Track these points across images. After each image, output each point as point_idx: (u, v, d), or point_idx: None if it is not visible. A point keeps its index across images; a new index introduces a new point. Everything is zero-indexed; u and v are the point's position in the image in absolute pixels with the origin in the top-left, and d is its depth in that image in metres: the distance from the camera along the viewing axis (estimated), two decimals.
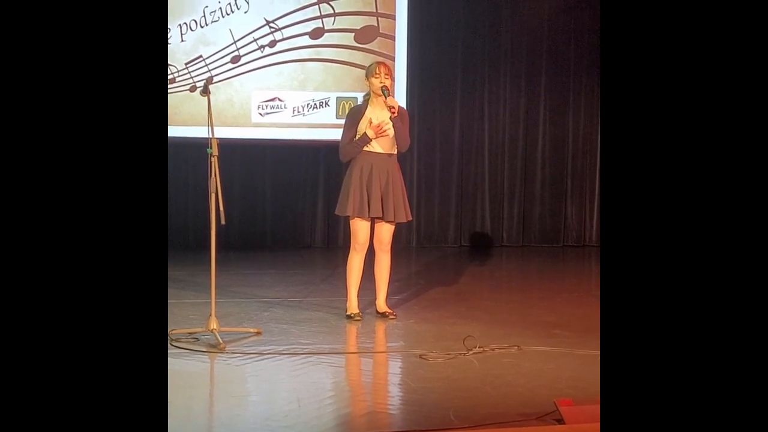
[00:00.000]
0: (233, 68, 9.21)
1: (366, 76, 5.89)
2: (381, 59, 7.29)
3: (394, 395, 4.41)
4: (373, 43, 9.45)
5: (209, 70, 9.11)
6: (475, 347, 4.99)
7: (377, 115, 5.80)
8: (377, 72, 5.78)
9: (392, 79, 5.88)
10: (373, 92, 5.82)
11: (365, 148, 5.81)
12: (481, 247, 10.19)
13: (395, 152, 5.89)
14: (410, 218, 6.08)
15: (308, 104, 9.35)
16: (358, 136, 5.80)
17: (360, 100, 6.06)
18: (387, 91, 5.74)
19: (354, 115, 5.87)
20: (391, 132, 5.78)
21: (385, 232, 5.91)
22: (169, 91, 8.96)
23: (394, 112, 5.70)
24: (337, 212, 6.03)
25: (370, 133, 5.73)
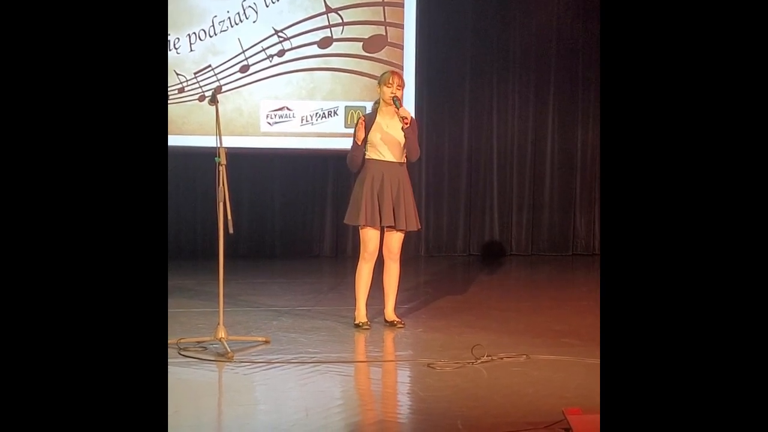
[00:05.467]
0: (242, 77, 9.23)
1: (378, 84, 5.90)
2: (395, 69, 7.30)
3: (402, 404, 4.40)
4: (381, 52, 9.46)
5: (218, 80, 9.14)
6: (484, 356, 4.98)
7: (387, 123, 5.81)
8: (390, 82, 5.79)
9: (403, 90, 5.88)
10: (384, 100, 5.84)
11: (376, 157, 5.81)
12: (490, 256, 10.17)
13: (405, 161, 5.89)
14: (420, 227, 6.08)
15: (317, 113, 9.36)
16: (368, 145, 5.80)
17: (368, 110, 6.06)
18: (399, 102, 5.75)
19: (365, 121, 5.87)
20: (401, 141, 5.79)
21: (395, 240, 5.91)
22: (178, 100, 9.00)
23: (407, 123, 5.71)
24: (346, 221, 6.02)
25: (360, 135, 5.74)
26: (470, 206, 10.22)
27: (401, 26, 9.50)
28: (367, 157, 5.85)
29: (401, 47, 9.51)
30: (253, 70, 9.26)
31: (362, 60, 9.39)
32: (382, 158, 5.82)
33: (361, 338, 5.70)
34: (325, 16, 9.37)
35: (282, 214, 9.75)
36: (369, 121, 5.87)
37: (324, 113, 9.37)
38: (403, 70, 9.42)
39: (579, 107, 10.35)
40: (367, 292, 5.93)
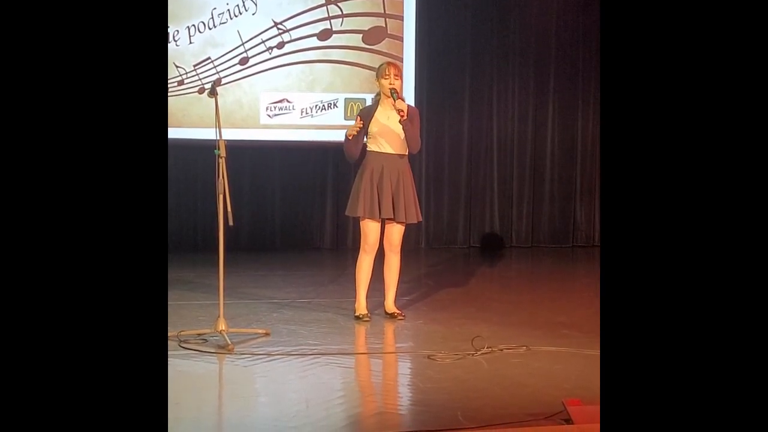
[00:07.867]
0: (241, 70, 9.22)
1: (376, 77, 5.90)
2: (391, 60, 7.28)
3: (402, 396, 4.41)
4: (381, 44, 9.45)
5: (217, 72, 9.13)
6: (484, 347, 4.98)
7: (387, 115, 5.80)
8: (386, 73, 5.78)
9: (401, 80, 5.88)
10: (383, 93, 5.83)
11: (376, 149, 5.81)
12: (490, 247, 10.18)
13: (406, 153, 5.88)
14: (420, 219, 6.06)
15: (316, 105, 9.36)
16: (367, 137, 5.80)
17: (368, 102, 6.06)
18: (396, 94, 5.73)
19: (363, 115, 5.86)
20: (401, 133, 5.78)
21: (396, 233, 5.91)
22: (177, 93, 8.99)
23: (403, 115, 5.69)
24: (347, 213, 6.01)
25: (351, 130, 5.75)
26: (470, 198, 10.22)
27: (401, 18, 9.49)
28: (368, 149, 5.85)
29: (401, 39, 9.50)
30: (253, 63, 9.25)
31: (362, 52, 9.38)
32: (382, 150, 5.81)
33: (361, 330, 5.70)
34: (325, 8, 9.36)
35: (282, 206, 9.76)
36: (369, 112, 5.86)
37: (324, 105, 9.37)
38: (402, 62, 9.41)
39: (579, 98, 10.34)
40: (368, 284, 5.93)
